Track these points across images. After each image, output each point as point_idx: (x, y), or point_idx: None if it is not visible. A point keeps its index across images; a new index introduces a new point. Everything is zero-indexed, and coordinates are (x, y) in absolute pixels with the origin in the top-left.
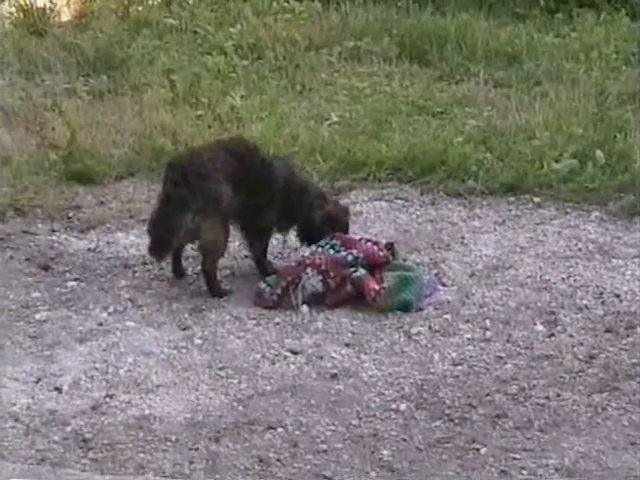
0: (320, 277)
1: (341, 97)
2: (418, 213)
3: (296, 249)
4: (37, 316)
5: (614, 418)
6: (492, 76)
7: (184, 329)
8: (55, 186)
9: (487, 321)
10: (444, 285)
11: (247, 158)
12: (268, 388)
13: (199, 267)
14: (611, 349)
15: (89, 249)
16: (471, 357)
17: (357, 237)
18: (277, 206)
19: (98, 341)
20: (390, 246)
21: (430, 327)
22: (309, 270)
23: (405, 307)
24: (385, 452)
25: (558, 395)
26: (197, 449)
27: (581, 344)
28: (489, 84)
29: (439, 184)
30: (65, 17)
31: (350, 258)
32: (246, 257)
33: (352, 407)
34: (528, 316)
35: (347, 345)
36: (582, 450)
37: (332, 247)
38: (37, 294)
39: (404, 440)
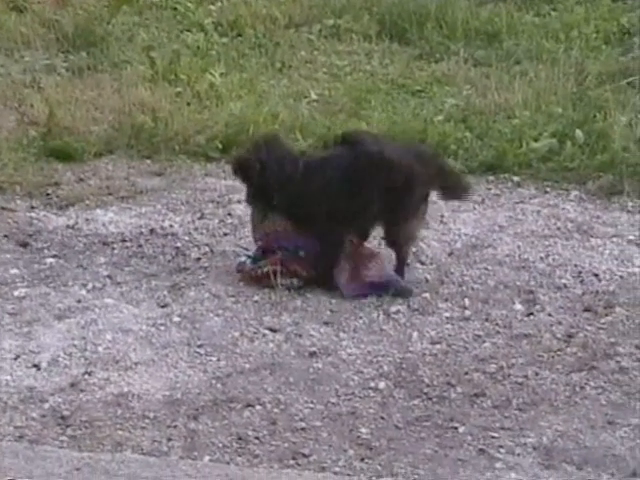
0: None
1: (321, 75)
2: None
3: None
4: (15, 293)
5: (592, 397)
6: (472, 55)
7: (163, 306)
8: (34, 163)
9: (466, 300)
10: (423, 263)
11: None
12: (247, 366)
13: (176, 244)
14: (589, 328)
15: (68, 226)
16: (450, 336)
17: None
18: None
19: (77, 318)
20: None
21: (409, 306)
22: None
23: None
24: (363, 430)
25: (536, 374)
26: (175, 427)
27: (560, 323)
28: (469, 63)
29: None
30: None
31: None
32: (225, 235)
33: (331, 385)
34: (507, 295)
35: (326, 323)
36: (560, 429)
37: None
38: (15, 271)
39: (382, 418)
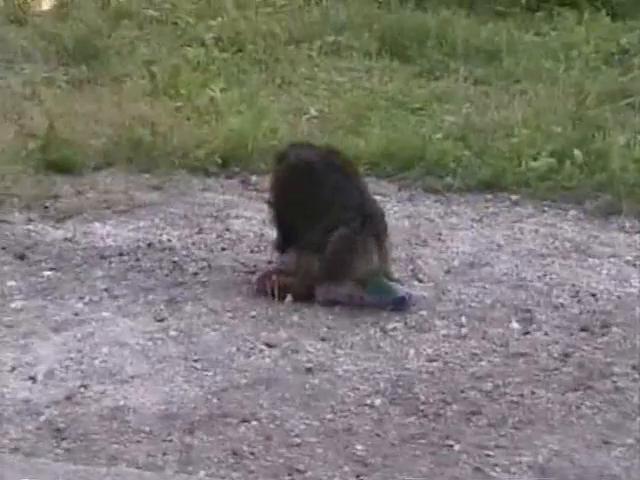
0: None
1: (321, 91)
2: (395, 209)
3: None
4: (12, 305)
5: (588, 417)
6: (472, 73)
7: (160, 320)
8: (32, 175)
9: (463, 318)
10: (420, 281)
11: None
12: (243, 381)
13: (173, 258)
14: (586, 348)
15: (65, 239)
16: (446, 353)
17: None
18: None
19: (73, 331)
20: None
21: (406, 323)
22: None
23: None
24: (359, 447)
25: (532, 393)
26: (171, 441)
27: (556, 342)
28: (469, 81)
29: (417, 180)
30: (45, 6)
31: None
32: (223, 250)
33: (326, 401)
34: (504, 313)
35: (323, 339)
36: (555, 448)
37: None
38: (12, 283)
39: (378, 435)
